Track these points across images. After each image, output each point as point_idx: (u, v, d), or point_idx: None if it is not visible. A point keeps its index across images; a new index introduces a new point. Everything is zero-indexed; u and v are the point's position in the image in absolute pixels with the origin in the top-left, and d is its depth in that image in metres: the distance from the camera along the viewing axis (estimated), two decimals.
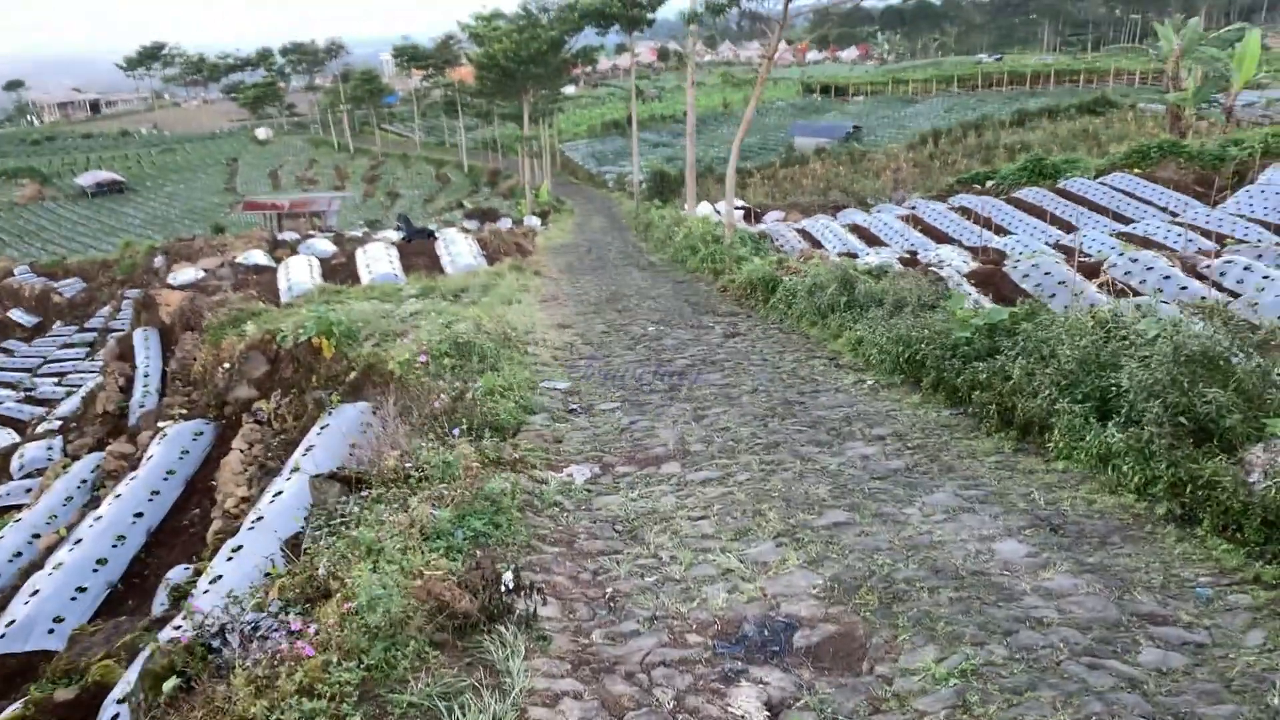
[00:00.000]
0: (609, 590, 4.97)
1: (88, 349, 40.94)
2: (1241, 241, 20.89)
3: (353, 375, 11.99)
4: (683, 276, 19.02)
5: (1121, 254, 17.30)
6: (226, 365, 14.34)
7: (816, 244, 26.89)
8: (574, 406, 8.85)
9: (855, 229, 29.80)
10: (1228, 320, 7.89)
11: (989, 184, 36.41)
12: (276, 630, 5.17)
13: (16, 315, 47.85)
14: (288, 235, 38.93)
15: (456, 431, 7.13)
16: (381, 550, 5.06)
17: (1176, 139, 32.44)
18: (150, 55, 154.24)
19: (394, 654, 4.10)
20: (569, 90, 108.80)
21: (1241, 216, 23.65)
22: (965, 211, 29.14)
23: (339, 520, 6.10)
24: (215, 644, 5.29)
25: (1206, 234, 22.80)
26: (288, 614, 5.25)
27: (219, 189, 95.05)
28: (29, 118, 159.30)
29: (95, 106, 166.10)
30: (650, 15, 49.93)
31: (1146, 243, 21.67)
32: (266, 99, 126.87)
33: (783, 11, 19.70)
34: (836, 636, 4.33)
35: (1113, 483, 5.91)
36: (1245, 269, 16.13)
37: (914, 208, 31.50)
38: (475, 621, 4.38)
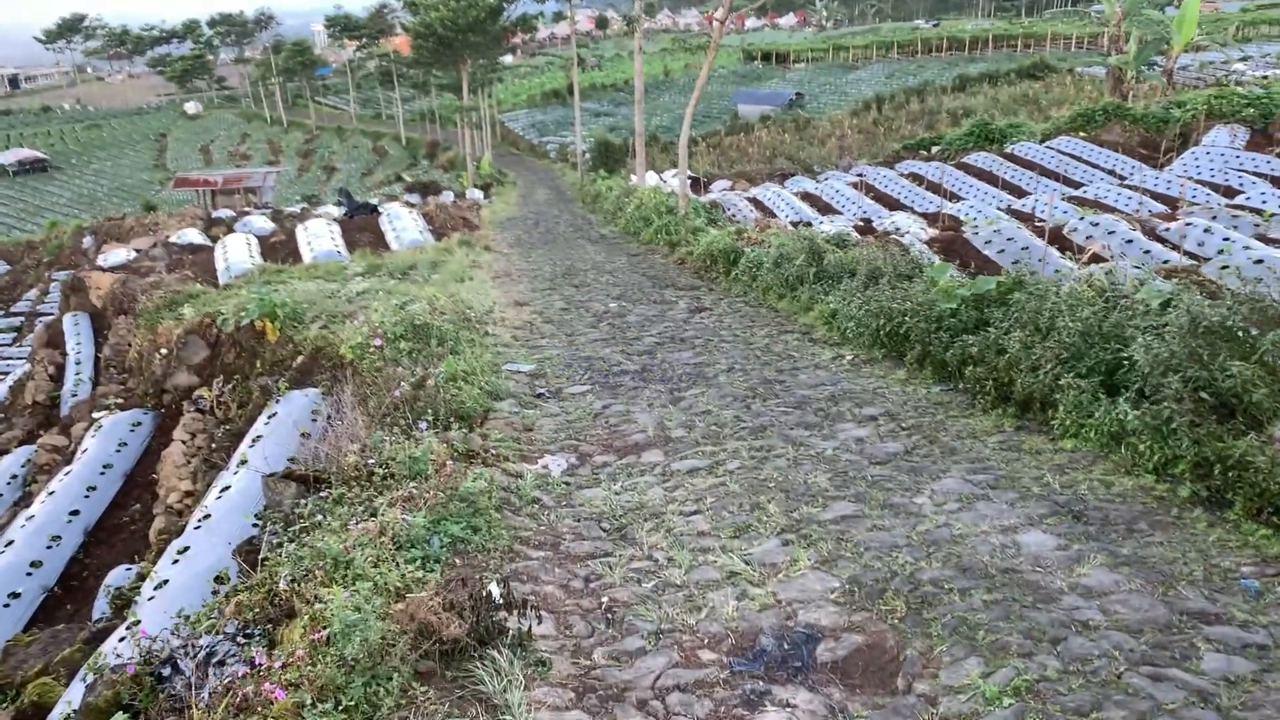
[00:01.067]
0: (605, 600, 4.50)
1: (14, 335, 39.35)
2: (1193, 204, 20.87)
3: (300, 360, 11.35)
4: (637, 249, 18.48)
5: (1082, 218, 17.12)
6: (164, 351, 13.58)
7: (769, 213, 26.48)
8: (542, 390, 8.33)
9: (806, 196, 29.45)
10: (1212, 289, 7.57)
11: (935, 150, 36.26)
12: (235, 656, 4.64)
13: None
14: (222, 212, 37.58)
15: (424, 425, 6.58)
16: (350, 563, 4.55)
17: (1120, 102, 32.49)
18: (70, 28, 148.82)
19: (375, 690, 3.60)
20: (507, 60, 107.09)
21: (1189, 179, 23.68)
22: (916, 178, 28.92)
23: (298, 526, 5.55)
24: (165, 672, 4.75)
25: (1156, 197, 22.78)
26: (248, 637, 4.72)
27: (148, 166, 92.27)
28: None
29: (14, 81, 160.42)
30: None
31: (1098, 206, 21.58)
32: (195, 72, 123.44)
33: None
34: (865, 648, 3.92)
35: (1128, 463, 5.57)
36: (1206, 231, 16.03)
37: (862, 174, 31.22)
38: (464, 646, 3.90)
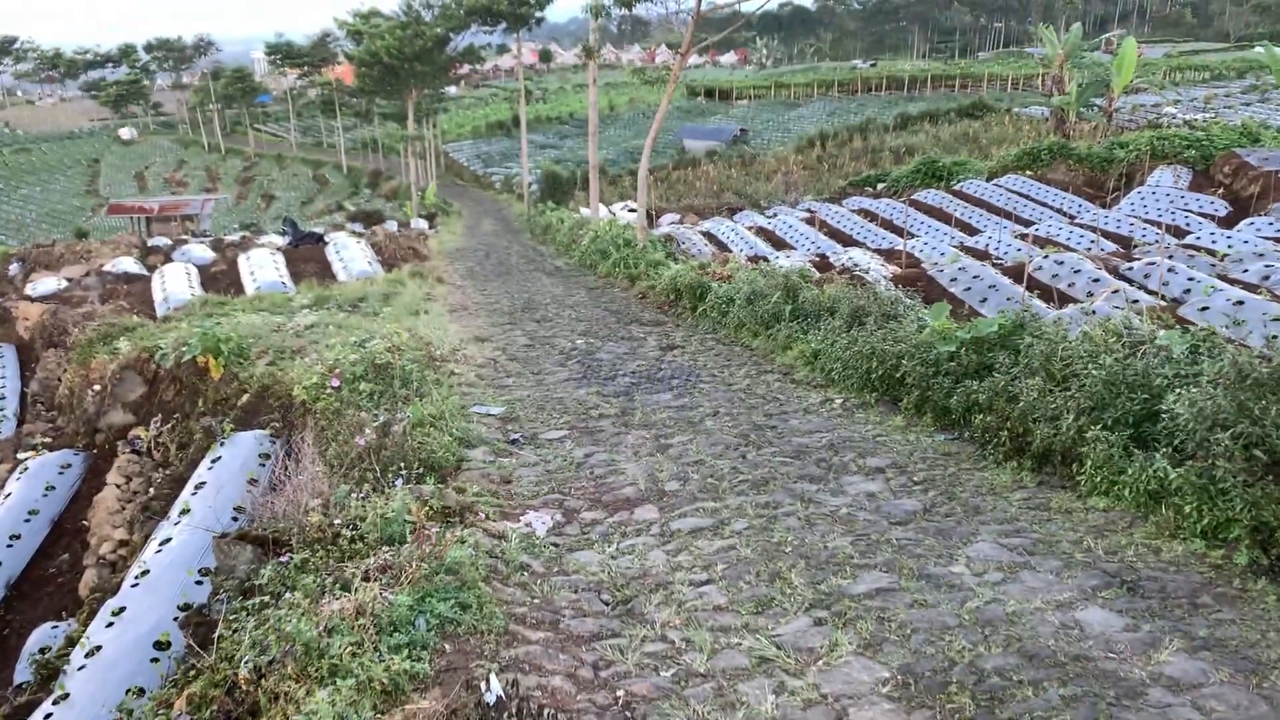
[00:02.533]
0: (620, 694, 3.89)
1: None
2: (1147, 243, 20.93)
3: (245, 399, 10.62)
4: (595, 282, 17.93)
5: (1045, 256, 16.94)
6: (97, 387, 12.69)
7: (724, 247, 26.17)
8: (515, 436, 7.72)
9: (760, 231, 29.20)
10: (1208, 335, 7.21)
11: (880, 186, 36.42)
12: None
13: None
14: (158, 240, 36.30)
15: (400, 482, 5.94)
16: (325, 651, 3.90)
17: (1065, 141, 32.88)
18: (1, 50, 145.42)
19: None
20: (451, 91, 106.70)
21: (1136, 218, 23.83)
22: (867, 214, 28.82)
23: (257, 599, 4.88)
24: None
25: (1107, 235, 22.85)
26: None
27: (79, 191, 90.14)
28: None
29: None
30: (538, 14, 48.80)
31: (1054, 244, 21.55)
32: (130, 97, 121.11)
33: (695, 9, 18.95)
34: None
35: (1172, 525, 5.13)
36: (1170, 271, 15.93)
37: (811, 210, 31.08)
38: None
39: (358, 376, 8.27)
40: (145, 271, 21.68)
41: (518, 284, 17.76)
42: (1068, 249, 20.45)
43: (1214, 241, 20.72)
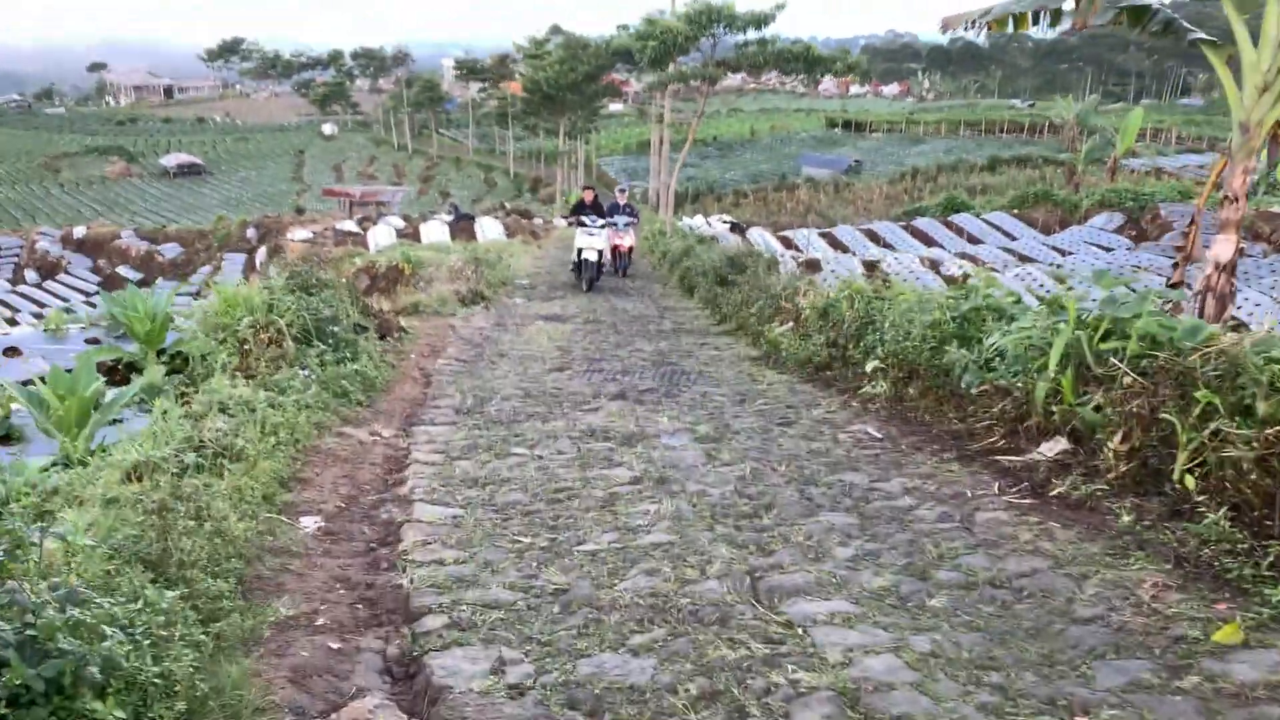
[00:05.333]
0: (482, 339, 14.58)
1: (193, 298, 51.29)
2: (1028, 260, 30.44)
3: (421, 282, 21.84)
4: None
5: (897, 258, 26.85)
6: (344, 280, 24.26)
7: (794, 247, 36.24)
8: (523, 283, 18.55)
9: (824, 235, 39.09)
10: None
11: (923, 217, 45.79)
12: None
13: (124, 271, 58.42)
14: (356, 218, 49.13)
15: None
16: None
17: (1050, 190, 41.80)
18: (230, 49, 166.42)
19: None
20: (615, 107, 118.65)
21: (1048, 245, 33.06)
22: (870, 233, 38.64)
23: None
24: None
25: (1022, 258, 32.15)
26: None
27: (287, 177, 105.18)
28: (107, 99, 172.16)
29: (169, 91, 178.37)
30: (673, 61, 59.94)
31: (974, 259, 31.09)
32: (334, 97, 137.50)
33: (707, 86, 29.36)
34: None
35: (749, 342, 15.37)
36: (959, 265, 25.65)
37: (830, 229, 41.14)
38: None
39: (467, 261, 19.30)
40: (360, 231, 33.65)
41: None
42: (975, 261, 30.00)
43: (1084, 261, 30.03)
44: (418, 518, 5.14)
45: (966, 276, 25.85)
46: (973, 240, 36.11)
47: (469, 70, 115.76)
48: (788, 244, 37.43)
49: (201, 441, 5.14)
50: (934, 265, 27.80)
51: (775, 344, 10.80)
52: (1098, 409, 5.85)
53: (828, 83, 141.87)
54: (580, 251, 18.20)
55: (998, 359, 6.83)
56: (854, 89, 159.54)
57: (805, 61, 32.02)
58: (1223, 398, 5.01)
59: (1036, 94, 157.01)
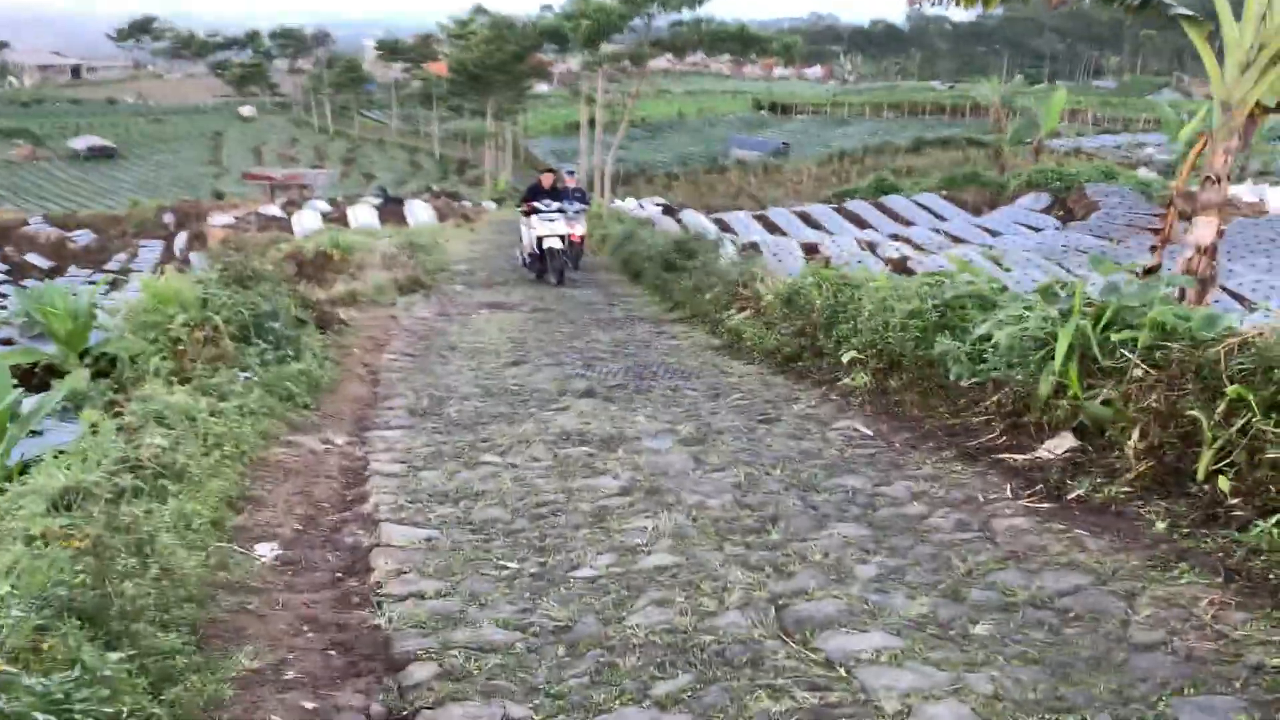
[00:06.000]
0: (428, 324, 13.99)
1: (108, 287, 49.35)
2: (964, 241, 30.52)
3: (351, 268, 21.02)
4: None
5: (833, 242, 26.69)
6: (270, 268, 23.29)
7: (729, 229, 35.78)
8: (465, 278, 17.93)
9: (758, 218, 38.68)
10: None
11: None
12: None
13: (33, 259, 56.05)
14: (279, 201, 47.63)
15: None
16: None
17: (979, 170, 42.11)
18: (141, 28, 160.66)
19: None
20: (542, 88, 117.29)
21: (978, 225, 33.24)
22: (804, 215, 38.52)
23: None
24: None
25: (953, 238, 32.25)
26: None
27: (204, 161, 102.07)
28: (10, 79, 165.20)
29: (76, 71, 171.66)
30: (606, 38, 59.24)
31: (908, 240, 31.09)
32: (252, 78, 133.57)
33: (642, 66, 28.87)
34: None
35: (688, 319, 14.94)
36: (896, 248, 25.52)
37: (764, 211, 40.91)
38: None
39: (401, 246, 18.57)
40: (285, 216, 32.50)
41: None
42: (910, 243, 29.99)
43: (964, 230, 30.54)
44: (387, 541, 4.59)
45: (905, 259, 25.85)
46: (904, 222, 36.16)
47: (391, 50, 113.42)
48: (723, 227, 37.13)
49: (139, 460, 4.53)
50: (871, 248, 27.67)
51: (737, 333, 10.38)
52: (1106, 404, 5.55)
53: (752, 65, 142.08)
54: (541, 241, 16.37)
55: (990, 350, 6.49)
56: (778, 71, 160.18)
57: (740, 41, 31.72)
58: (1255, 393, 4.72)
59: (955, 76, 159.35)
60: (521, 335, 11.37)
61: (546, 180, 17.38)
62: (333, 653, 3.64)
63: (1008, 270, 22.97)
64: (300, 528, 4.78)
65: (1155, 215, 33.51)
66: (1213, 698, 3.19)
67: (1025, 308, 6.72)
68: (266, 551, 4.42)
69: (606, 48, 34.74)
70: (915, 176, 51.13)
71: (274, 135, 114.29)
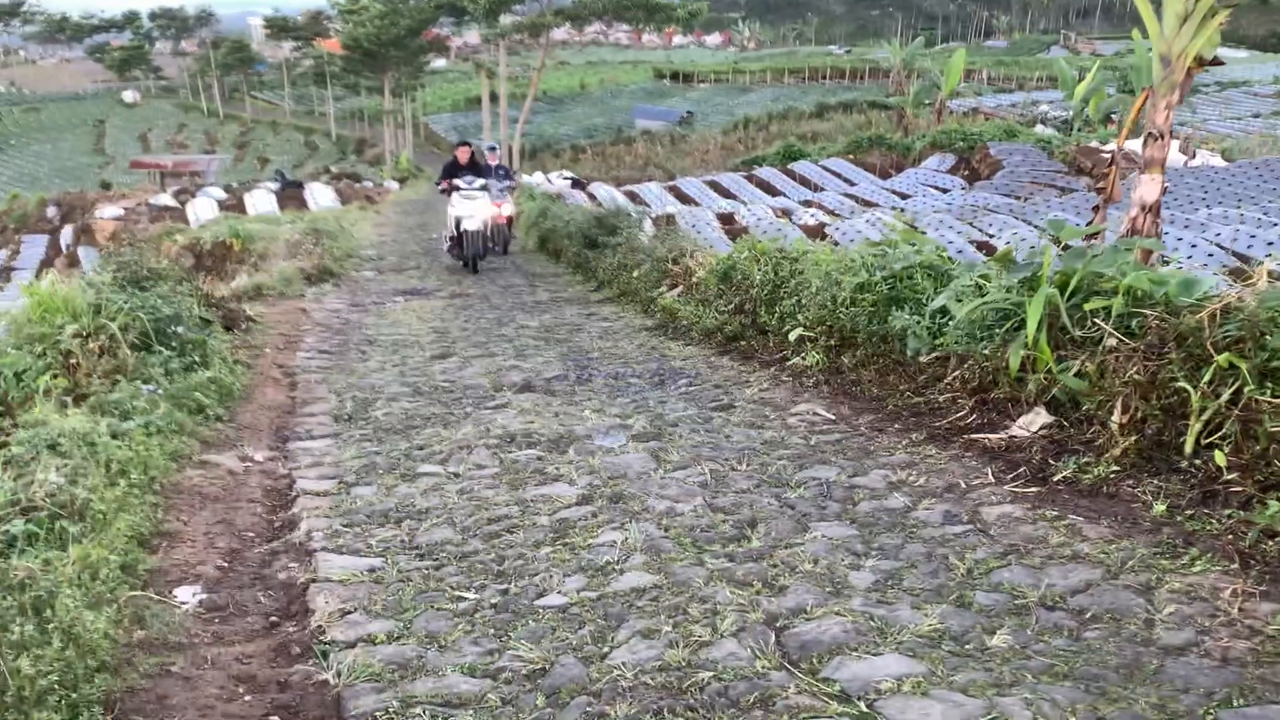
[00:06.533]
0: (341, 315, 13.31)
1: None
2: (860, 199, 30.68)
3: (253, 259, 20.04)
4: None
5: (748, 210, 26.48)
6: (165, 260, 22.12)
7: (640, 201, 35.20)
8: (371, 254, 17.15)
9: (671, 189, 38.23)
10: None
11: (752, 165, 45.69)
12: None
13: None
14: (171, 190, 45.56)
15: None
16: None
17: (884, 134, 42.36)
18: (9, 11, 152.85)
19: None
20: (440, 64, 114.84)
21: (887, 189, 33.40)
22: (714, 185, 38.26)
23: None
24: None
25: (862, 201, 32.31)
26: None
27: (87, 150, 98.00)
28: None
29: None
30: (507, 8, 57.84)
31: (821, 206, 31.04)
32: (133, 62, 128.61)
33: (546, 37, 28.16)
34: None
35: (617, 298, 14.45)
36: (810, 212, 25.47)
37: (675, 182, 40.52)
38: None
39: (305, 233, 17.71)
40: (178, 205, 31.03)
41: (428, 217, 27.16)
42: (825, 209, 29.93)
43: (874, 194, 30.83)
44: (325, 574, 4.07)
45: (822, 225, 25.73)
46: (814, 188, 36.15)
47: (280, 29, 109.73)
48: (634, 199, 36.70)
49: (31, 501, 3.95)
50: (786, 215, 27.53)
51: (671, 312, 9.99)
52: (1080, 376, 5.29)
53: (650, 34, 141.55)
54: (459, 222, 15.05)
55: (950, 323, 6.19)
56: (677, 39, 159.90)
57: (645, 9, 31.15)
58: (1246, 361, 4.48)
59: (851, 40, 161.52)
60: (443, 325, 10.81)
61: (463, 155, 16.05)
62: (276, 719, 3.15)
63: (923, 233, 23.02)
64: (225, 564, 4.23)
65: (1057, 172, 34.13)
66: (1266, 708, 2.90)
67: (981, 277, 6.47)
68: (188, 597, 3.88)
69: (507, 19, 33.79)
70: (821, 142, 51.29)
71: (161, 121, 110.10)
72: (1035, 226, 23.44)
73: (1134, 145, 36.48)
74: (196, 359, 6.83)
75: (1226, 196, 26.70)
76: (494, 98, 67.82)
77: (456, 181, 15.15)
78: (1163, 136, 7.67)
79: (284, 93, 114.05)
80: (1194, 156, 34.51)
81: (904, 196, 32.11)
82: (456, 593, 3.90)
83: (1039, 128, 44.52)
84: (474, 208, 14.97)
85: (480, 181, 15.29)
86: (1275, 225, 20.70)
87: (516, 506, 4.74)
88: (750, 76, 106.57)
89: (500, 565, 4.12)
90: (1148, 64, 42.57)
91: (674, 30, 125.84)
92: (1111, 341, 5.13)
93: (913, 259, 7.10)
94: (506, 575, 4.03)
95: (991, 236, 23.52)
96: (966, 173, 36.10)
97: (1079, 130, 42.38)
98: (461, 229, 15.05)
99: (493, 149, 18.63)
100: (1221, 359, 4.47)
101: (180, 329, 6.92)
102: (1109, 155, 35.92)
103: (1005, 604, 3.63)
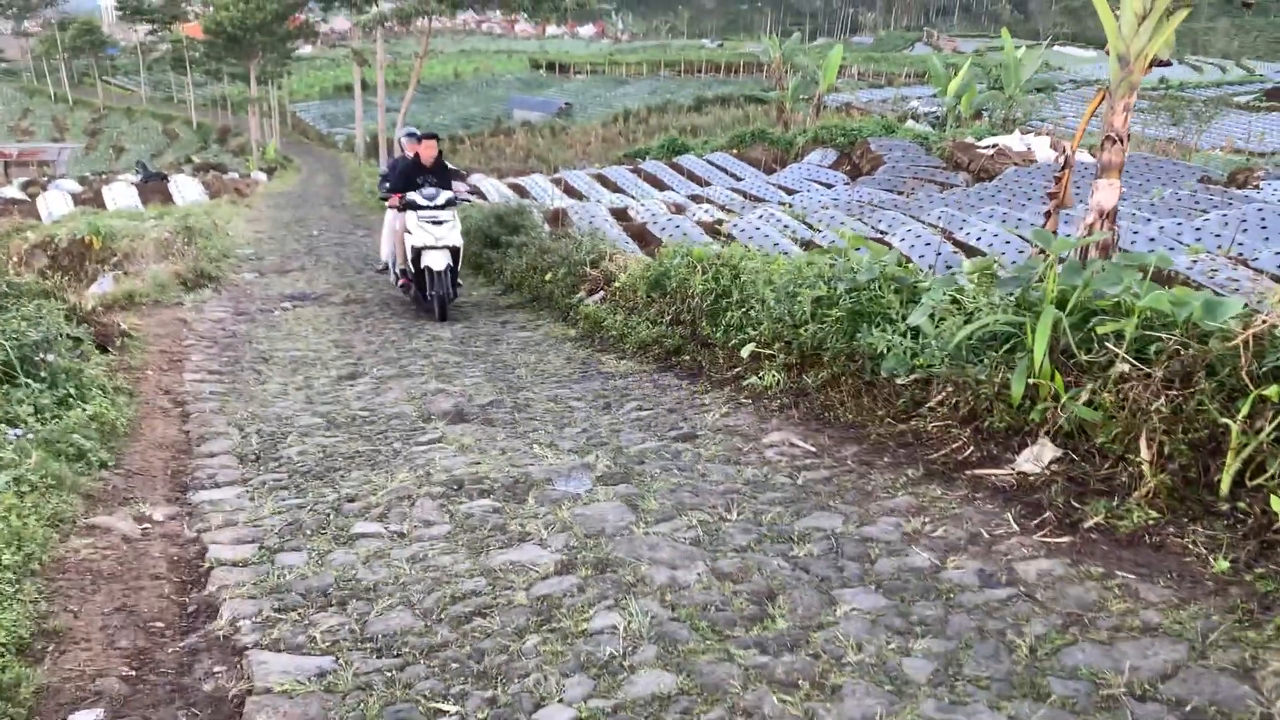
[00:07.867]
0: (230, 326, 12.22)
1: None
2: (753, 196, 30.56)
3: (115, 258, 18.50)
4: (361, 210, 26.15)
5: (643, 205, 25.94)
6: (15, 259, 20.26)
7: (525, 194, 34.09)
8: (250, 254, 15.93)
9: (557, 182, 37.28)
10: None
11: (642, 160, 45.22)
12: None
13: None
14: (16, 181, 42.47)
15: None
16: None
17: (765, 128, 42.41)
18: None
19: None
20: (306, 50, 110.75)
21: (773, 184, 33.33)
22: (600, 178, 37.59)
23: None
24: None
25: (749, 197, 32.08)
26: None
27: None
28: None
29: None
30: None
31: (710, 201, 30.68)
32: None
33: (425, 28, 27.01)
34: None
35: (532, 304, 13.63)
36: (706, 209, 25.11)
37: (560, 174, 39.76)
38: None
39: (176, 231, 16.34)
40: (28, 198, 28.70)
41: (304, 211, 25.75)
42: (717, 205, 29.56)
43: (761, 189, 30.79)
44: (263, 684, 3.25)
45: (718, 222, 25.34)
46: (701, 182, 35.85)
47: (134, 10, 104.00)
48: (520, 192, 35.77)
49: None
50: (680, 210, 27.05)
51: (595, 321, 9.30)
52: (1090, 404, 4.85)
53: (524, 23, 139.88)
54: (420, 255, 11.00)
55: (931, 342, 5.69)
56: (550, 30, 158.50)
57: None
58: None
59: (721, 34, 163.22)
60: (344, 337, 9.87)
61: (427, 152, 11.62)
62: None
63: (817, 230, 22.84)
64: (131, 673, 3.37)
65: (936, 167, 34.61)
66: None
67: (957, 291, 6.00)
68: None
69: (388, 4, 32.43)
70: (702, 136, 51.13)
71: (2, 106, 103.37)
72: (923, 222, 23.52)
73: (1007, 141, 37.39)
74: (71, 391, 5.84)
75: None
76: (365, 85, 65.57)
77: (414, 196, 11.10)
78: (1121, 140, 7.36)
79: (139, 78, 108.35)
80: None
81: (790, 192, 32.00)
82: (432, 704, 3.15)
83: (909, 123, 45.29)
84: (441, 233, 11.02)
85: (445, 196, 11.23)
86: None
87: (483, 578, 3.99)
88: (626, 68, 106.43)
89: (479, 663, 3.38)
90: (1015, 62, 43.56)
91: (548, 20, 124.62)
92: (1123, 368, 4.72)
93: (875, 271, 6.59)
94: (489, 677, 3.29)
95: (884, 233, 23.52)
96: (849, 168, 36.31)
97: (953, 126, 43.27)
98: (424, 265, 11.09)
99: (412, 135, 13.10)
100: (1272, 391, 4.05)
101: (51, 356, 5.91)
102: (986, 151, 36.61)
103: (1088, 694, 3.10)
